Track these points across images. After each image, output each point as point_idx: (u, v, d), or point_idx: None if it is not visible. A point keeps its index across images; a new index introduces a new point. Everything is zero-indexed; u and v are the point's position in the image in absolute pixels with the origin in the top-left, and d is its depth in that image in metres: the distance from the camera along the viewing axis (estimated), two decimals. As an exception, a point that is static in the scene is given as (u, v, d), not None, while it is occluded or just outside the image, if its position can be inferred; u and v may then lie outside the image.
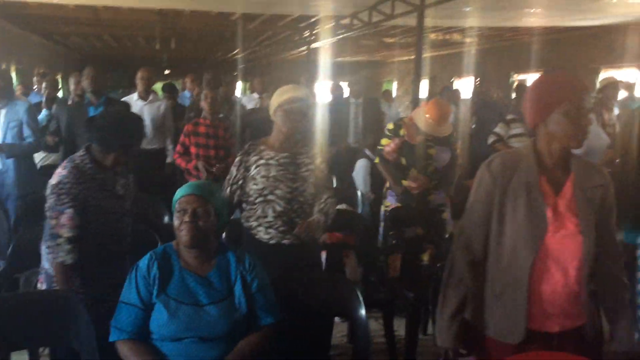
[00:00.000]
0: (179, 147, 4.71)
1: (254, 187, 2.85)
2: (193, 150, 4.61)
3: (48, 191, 2.51)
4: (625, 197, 4.07)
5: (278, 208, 2.82)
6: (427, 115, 3.82)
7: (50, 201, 2.50)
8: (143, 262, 2.23)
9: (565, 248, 1.92)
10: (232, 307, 2.20)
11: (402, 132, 3.95)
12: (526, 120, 2.02)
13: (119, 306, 2.20)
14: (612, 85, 6.08)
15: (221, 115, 5.04)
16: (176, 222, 2.22)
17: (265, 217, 2.84)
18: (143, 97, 5.58)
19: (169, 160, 5.57)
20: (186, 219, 2.18)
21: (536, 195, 1.91)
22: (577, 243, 1.92)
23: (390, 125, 4.09)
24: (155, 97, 5.74)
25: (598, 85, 6.75)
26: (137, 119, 2.76)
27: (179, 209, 2.22)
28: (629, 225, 4.09)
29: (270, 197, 2.83)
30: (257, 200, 2.84)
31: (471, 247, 2.02)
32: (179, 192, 2.26)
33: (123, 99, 5.57)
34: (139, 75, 5.61)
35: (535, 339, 1.96)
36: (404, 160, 3.96)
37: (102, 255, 2.60)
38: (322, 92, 8.44)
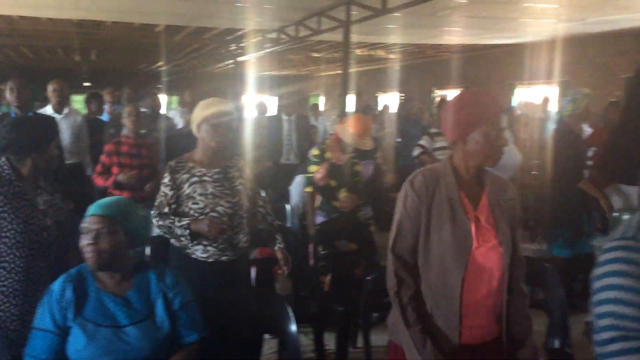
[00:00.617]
0: (98, 167, 4.50)
1: (194, 206, 2.78)
2: (115, 170, 4.40)
3: None
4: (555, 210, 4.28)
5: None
6: (351, 130, 3.93)
7: None
8: (56, 285, 2.10)
9: (489, 260, 1.96)
10: (154, 327, 2.11)
11: (327, 155, 4.00)
12: (445, 136, 2.07)
13: (32, 333, 2.06)
14: (530, 107, 6.41)
15: (143, 131, 4.87)
16: (81, 243, 2.10)
17: (204, 235, 2.78)
18: (58, 110, 5.35)
19: (88, 173, 5.36)
20: (88, 240, 2.07)
21: (459, 210, 1.94)
22: (499, 255, 1.97)
23: (315, 151, 4.11)
24: (71, 111, 5.53)
25: (516, 103, 7.10)
26: (45, 119, 2.66)
27: (84, 229, 2.10)
28: (560, 238, 4.29)
29: (212, 214, 2.78)
30: (199, 219, 2.78)
31: (409, 264, 2.01)
32: (87, 212, 2.14)
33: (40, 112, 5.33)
34: (51, 87, 5.35)
35: (460, 352, 1.97)
36: (333, 182, 3.99)
37: (20, 265, 2.49)
38: (249, 105, 8.41)
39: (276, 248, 3.03)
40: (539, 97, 7.77)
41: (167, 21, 8.06)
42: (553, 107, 6.75)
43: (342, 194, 3.96)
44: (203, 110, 2.82)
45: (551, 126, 4.86)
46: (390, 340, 2.12)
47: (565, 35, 8.03)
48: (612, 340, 0.85)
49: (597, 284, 0.88)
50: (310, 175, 4.06)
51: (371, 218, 4.14)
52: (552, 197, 4.29)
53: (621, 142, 0.97)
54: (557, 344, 2.74)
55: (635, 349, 0.82)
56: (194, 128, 2.86)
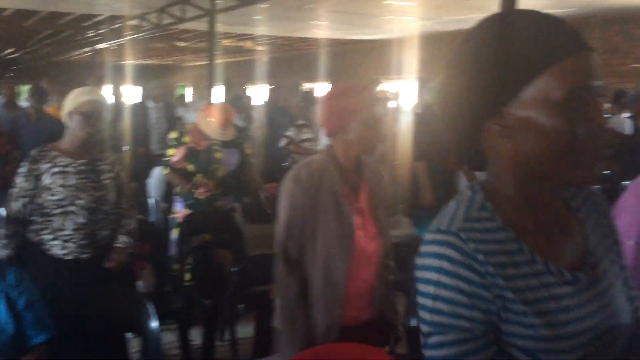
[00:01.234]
0: None
1: (51, 197, 2.60)
2: None
3: None
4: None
5: (80, 220, 2.63)
6: (211, 120, 3.83)
7: None
8: None
9: (369, 249, 2.03)
10: None
11: (186, 139, 3.90)
12: (323, 127, 2.09)
13: None
14: (383, 98, 6.71)
15: None
16: None
17: (63, 230, 2.62)
18: None
19: None
20: None
21: (342, 202, 1.98)
22: (377, 242, 2.05)
23: (173, 134, 4.02)
24: None
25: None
26: None
27: None
28: (427, 220, 4.49)
29: (70, 208, 2.61)
30: (55, 212, 2.61)
31: (298, 263, 2.00)
32: None
33: None
34: None
35: (341, 334, 2.01)
36: (191, 167, 3.88)
37: None
38: (109, 95, 8.03)
39: (118, 245, 2.81)
40: (393, 91, 8.14)
41: (16, 5, 7.44)
42: (407, 101, 7.10)
43: (197, 179, 3.86)
44: (74, 99, 2.70)
45: (404, 118, 5.14)
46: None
47: (422, 32, 8.47)
48: (429, 334, 0.87)
49: (417, 275, 0.88)
50: (167, 158, 3.95)
51: (234, 209, 4.05)
52: (416, 182, 4.48)
53: (444, 127, 0.97)
54: (414, 322, 2.89)
55: (451, 342, 0.84)
56: (64, 117, 2.73)
